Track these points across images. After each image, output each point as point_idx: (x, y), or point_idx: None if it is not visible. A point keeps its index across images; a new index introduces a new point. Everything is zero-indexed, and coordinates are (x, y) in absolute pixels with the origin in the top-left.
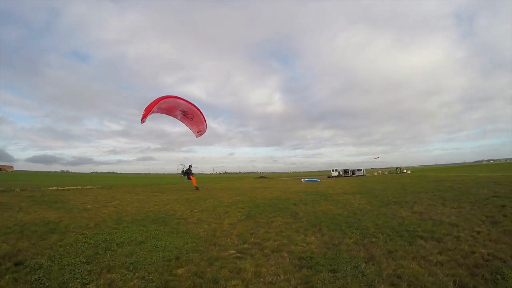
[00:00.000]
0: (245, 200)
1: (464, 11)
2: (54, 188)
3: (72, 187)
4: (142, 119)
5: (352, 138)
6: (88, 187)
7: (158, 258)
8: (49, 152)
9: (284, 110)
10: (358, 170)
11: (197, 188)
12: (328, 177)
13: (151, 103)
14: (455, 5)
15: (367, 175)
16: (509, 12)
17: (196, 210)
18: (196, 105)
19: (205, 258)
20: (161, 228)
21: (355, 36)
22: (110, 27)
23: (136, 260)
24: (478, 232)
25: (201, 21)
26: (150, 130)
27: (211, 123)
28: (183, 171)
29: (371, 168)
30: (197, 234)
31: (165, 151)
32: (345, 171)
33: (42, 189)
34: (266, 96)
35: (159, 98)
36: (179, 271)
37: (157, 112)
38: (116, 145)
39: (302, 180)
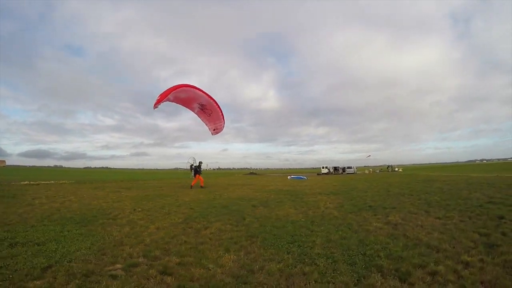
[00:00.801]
0: (205, 199)
1: (460, 13)
2: (26, 182)
3: (44, 182)
4: (155, 104)
5: (345, 136)
6: (62, 181)
7: (31, 264)
8: (42, 147)
9: (279, 106)
10: (349, 167)
11: (202, 186)
12: (318, 174)
13: (167, 90)
14: (452, 6)
15: (358, 172)
16: (506, 14)
17: (140, 209)
18: (216, 100)
19: (77, 271)
20: (75, 230)
21: (352, 34)
22: (105, 21)
23: (6, 264)
24: (467, 264)
25: (196, 15)
26: (144, 125)
27: None
28: (191, 166)
29: (364, 166)
30: (106, 238)
31: (158, 146)
32: (336, 169)
33: (12, 183)
34: (260, 91)
35: (178, 85)
36: (31, 284)
37: (173, 101)
38: (109, 140)
39: (289, 177)
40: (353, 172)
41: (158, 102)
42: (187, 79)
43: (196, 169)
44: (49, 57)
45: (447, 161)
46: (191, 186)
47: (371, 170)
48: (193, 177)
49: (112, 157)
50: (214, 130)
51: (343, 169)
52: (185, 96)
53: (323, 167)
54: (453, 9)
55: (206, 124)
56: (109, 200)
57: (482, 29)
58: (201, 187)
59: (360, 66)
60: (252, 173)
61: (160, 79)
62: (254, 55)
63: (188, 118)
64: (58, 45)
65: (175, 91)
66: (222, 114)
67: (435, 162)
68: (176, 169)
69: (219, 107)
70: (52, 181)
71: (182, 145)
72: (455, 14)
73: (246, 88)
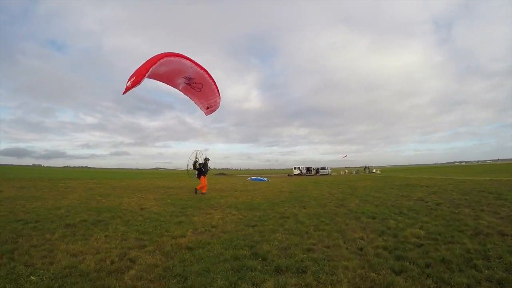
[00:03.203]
0: (69, 207)
1: (442, 18)
2: None
3: None
4: (126, 90)
5: (327, 137)
6: None
7: None
8: (21, 145)
9: (261, 107)
10: (323, 168)
11: (203, 193)
12: (289, 175)
13: (144, 64)
14: (434, 12)
15: (333, 174)
16: (486, 20)
17: None
18: (208, 71)
19: None
20: None
21: (335, 36)
22: (89, 18)
23: None
24: None
25: (180, 15)
26: (125, 124)
27: (187, 118)
28: (195, 164)
29: (345, 167)
30: None
31: (139, 146)
32: (308, 169)
33: None
34: (243, 92)
35: (159, 55)
36: None
37: (151, 78)
38: (90, 139)
39: (248, 178)
40: (327, 173)
41: (133, 86)
42: None
43: (201, 169)
44: (31, 52)
45: (427, 163)
46: (196, 190)
47: (347, 171)
48: (197, 178)
49: (92, 156)
50: (207, 108)
51: (317, 170)
52: (167, 70)
53: (294, 168)
54: (435, 15)
55: (196, 103)
56: None
57: (463, 35)
58: (202, 194)
59: (342, 68)
60: (221, 173)
61: None
62: (238, 55)
63: (171, 117)
64: (41, 40)
65: (156, 65)
66: (217, 87)
67: (415, 163)
68: (157, 168)
69: (212, 79)
70: None
71: (164, 144)
72: (437, 19)
73: (229, 89)
